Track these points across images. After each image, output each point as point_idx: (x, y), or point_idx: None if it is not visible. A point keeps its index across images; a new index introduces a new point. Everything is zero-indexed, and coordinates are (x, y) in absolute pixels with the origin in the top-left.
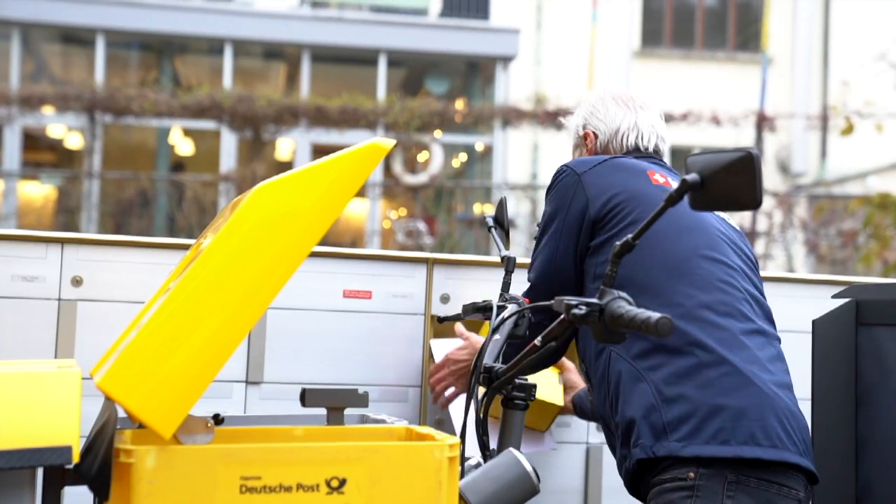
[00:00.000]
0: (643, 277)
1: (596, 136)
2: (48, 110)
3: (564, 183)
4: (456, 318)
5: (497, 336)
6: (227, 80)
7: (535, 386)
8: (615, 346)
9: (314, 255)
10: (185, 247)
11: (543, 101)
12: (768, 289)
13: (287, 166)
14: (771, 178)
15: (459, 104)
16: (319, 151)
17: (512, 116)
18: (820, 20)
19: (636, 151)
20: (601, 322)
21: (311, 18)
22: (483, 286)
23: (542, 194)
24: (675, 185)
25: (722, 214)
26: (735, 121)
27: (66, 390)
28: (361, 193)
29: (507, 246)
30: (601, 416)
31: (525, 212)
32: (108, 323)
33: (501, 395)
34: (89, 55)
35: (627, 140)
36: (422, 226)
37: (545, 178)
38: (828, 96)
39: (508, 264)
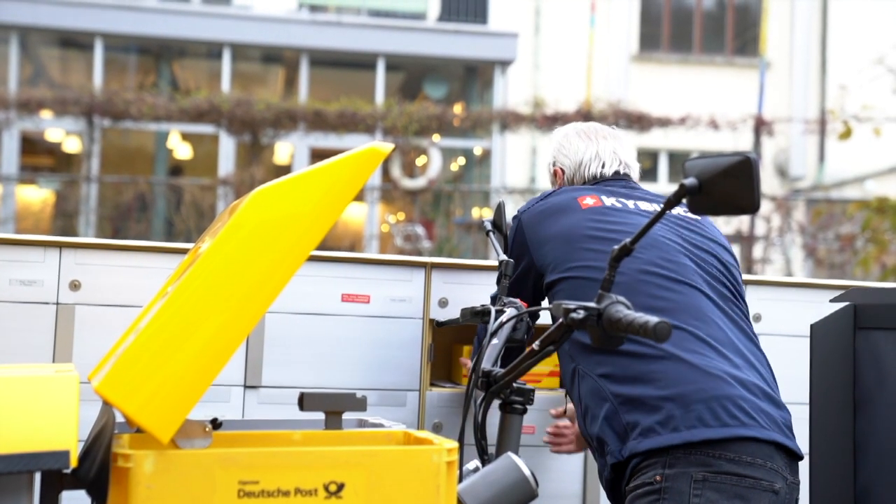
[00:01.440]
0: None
1: (563, 171)
2: (46, 114)
3: (513, 229)
4: (454, 322)
5: (495, 340)
6: (226, 84)
7: (533, 390)
8: (581, 365)
9: (312, 259)
10: (184, 251)
11: (542, 105)
12: (767, 293)
13: (285, 170)
14: (769, 182)
15: (458, 108)
16: (318, 155)
17: (510, 120)
18: (818, 24)
19: (592, 180)
20: (599, 326)
21: (310, 22)
22: (481, 290)
23: None
24: (608, 202)
25: (679, 211)
26: (733, 125)
27: (64, 394)
28: (360, 197)
29: (505, 250)
30: (584, 435)
31: None
32: (106, 327)
33: (500, 399)
34: (87, 59)
35: (589, 170)
36: (420, 230)
37: (544, 182)
38: (826, 100)
39: (506, 268)
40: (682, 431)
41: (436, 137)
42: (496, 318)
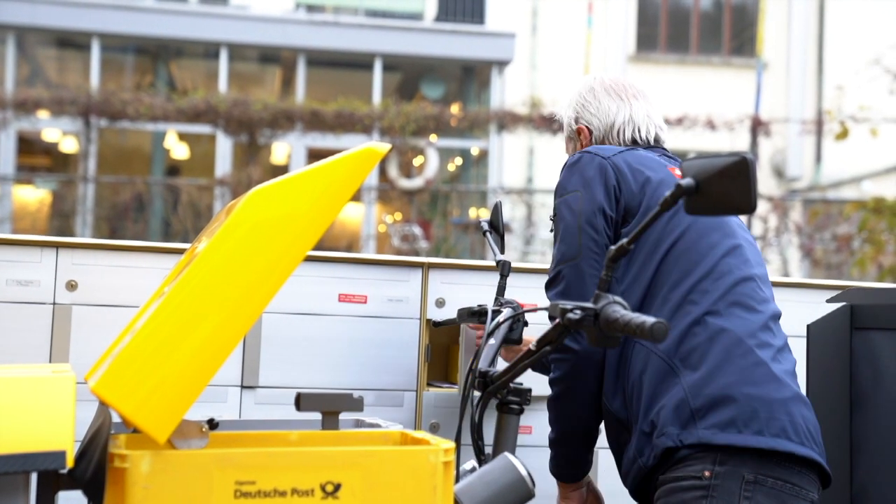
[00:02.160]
0: (670, 275)
1: (590, 131)
2: (43, 114)
3: (589, 163)
4: (451, 322)
5: (492, 341)
6: (223, 84)
7: (530, 390)
8: (648, 342)
9: (309, 259)
10: (181, 251)
11: (539, 106)
12: None
13: (282, 170)
14: (766, 183)
15: (455, 108)
16: (315, 156)
17: (507, 121)
18: (815, 25)
19: (633, 145)
20: (596, 326)
21: (307, 23)
22: (478, 290)
23: (538, 198)
24: None
25: None
26: (730, 125)
27: (61, 395)
28: (357, 197)
29: (502, 250)
30: (619, 416)
31: (520, 216)
32: (103, 327)
33: (497, 399)
34: (84, 59)
35: (624, 134)
36: (417, 230)
37: (541, 182)
38: (822, 101)
39: (503, 269)
40: (767, 437)
41: (433, 138)
42: (493, 319)
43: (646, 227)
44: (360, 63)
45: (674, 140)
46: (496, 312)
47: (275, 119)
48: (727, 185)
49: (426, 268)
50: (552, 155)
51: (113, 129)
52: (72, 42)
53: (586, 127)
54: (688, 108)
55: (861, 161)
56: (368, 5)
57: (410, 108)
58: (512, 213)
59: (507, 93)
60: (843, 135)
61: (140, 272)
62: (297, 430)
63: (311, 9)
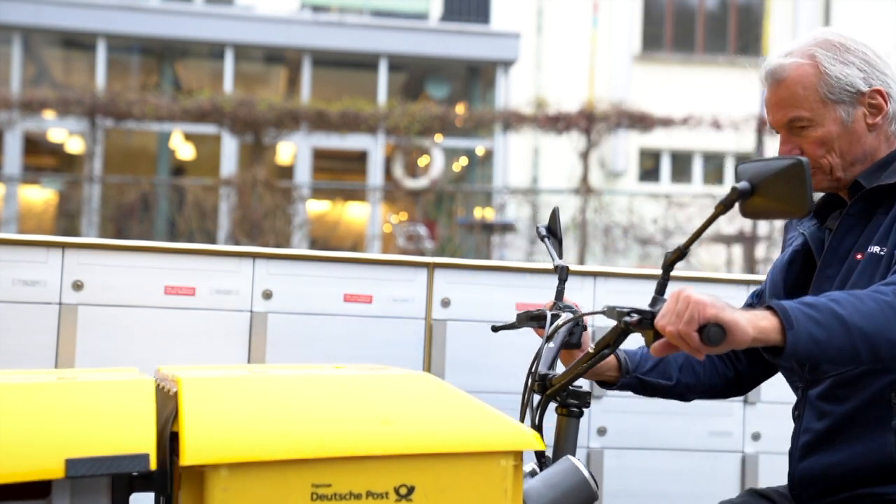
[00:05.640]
0: None
1: (890, 97)
2: (49, 115)
3: None
4: (511, 326)
5: (551, 344)
6: (228, 84)
7: (589, 393)
8: None
9: (315, 259)
10: (186, 251)
11: (544, 106)
12: None
13: (288, 170)
14: None
15: (460, 108)
16: (320, 156)
17: (513, 120)
18: (820, 24)
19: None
20: (653, 329)
21: (312, 23)
22: (484, 290)
23: (543, 198)
24: None
25: None
26: (736, 125)
27: (142, 398)
28: (362, 197)
29: (560, 255)
30: None
31: (526, 216)
32: (109, 327)
33: (556, 402)
34: (90, 59)
35: None
36: (422, 230)
37: (546, 182)
38: None
39: (561, 273)
40: None
41: (438, 137)
42: (552, 322)
43: (702, 229)
44: (365, 63)
45: (679, 140)
46: (555, 316)
47: (280, 119)
48: (782, 189)
49: (431, 268)
50: (557, 155)
51: (118, 129)
52: (77, 42)
53: (887, 92)
54: (693, 108)
55: None
56: (373, 5)
57: (415, 107)
58: (517, 213)
59: (512, 93)
60: None
61: (146, 272)
62: None
63: (316, 9)
